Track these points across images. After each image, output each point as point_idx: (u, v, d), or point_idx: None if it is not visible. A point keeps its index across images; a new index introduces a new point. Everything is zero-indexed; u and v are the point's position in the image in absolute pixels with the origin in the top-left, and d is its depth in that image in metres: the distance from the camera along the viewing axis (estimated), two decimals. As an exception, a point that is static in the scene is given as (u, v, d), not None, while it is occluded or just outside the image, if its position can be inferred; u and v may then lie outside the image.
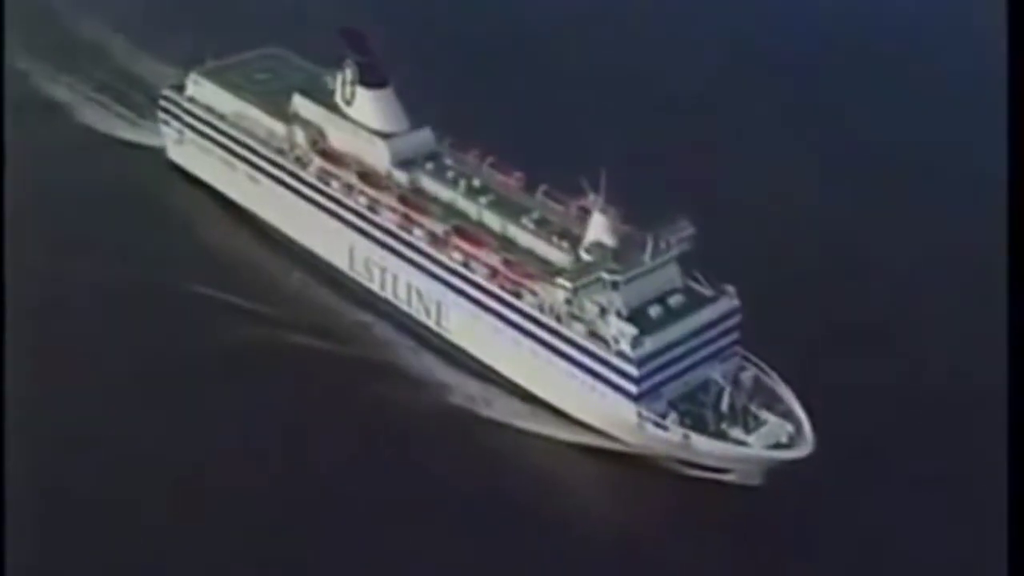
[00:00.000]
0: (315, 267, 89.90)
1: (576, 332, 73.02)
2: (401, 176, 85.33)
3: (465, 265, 78.81)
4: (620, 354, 70.70)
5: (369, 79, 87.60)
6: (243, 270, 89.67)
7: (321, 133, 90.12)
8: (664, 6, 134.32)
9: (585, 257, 74.53)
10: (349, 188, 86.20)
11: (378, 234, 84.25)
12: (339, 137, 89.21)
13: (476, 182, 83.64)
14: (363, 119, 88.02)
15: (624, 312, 71.89)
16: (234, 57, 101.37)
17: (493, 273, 77.30)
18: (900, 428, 73.72)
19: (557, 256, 76.43)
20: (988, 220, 77.00)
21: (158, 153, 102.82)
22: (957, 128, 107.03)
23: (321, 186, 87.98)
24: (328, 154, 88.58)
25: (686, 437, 69.53)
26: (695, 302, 74.43)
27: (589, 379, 72.88)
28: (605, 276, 72.11)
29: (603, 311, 72.15)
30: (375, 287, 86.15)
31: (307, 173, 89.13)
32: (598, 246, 74.29)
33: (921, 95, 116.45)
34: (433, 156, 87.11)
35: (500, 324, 77.32)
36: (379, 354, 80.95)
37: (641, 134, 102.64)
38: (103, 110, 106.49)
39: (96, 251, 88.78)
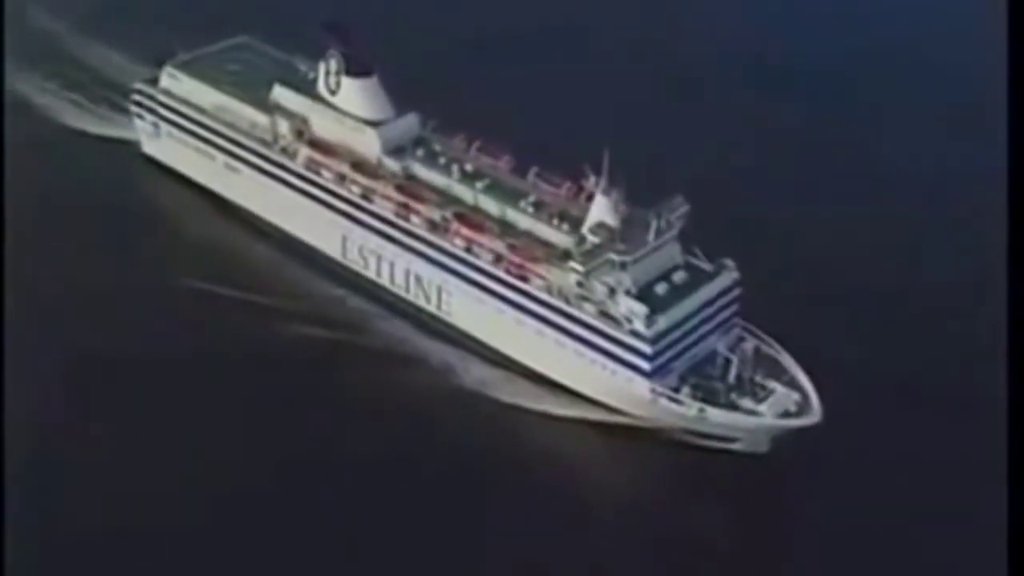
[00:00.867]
0: (306, 256, 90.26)
1: (587, 313, 74.87)
2: (393, 164, 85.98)
3: (468, 250, 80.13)
4: (634, 333, 72.68)
5: (354, 69, 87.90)
6: (232, 261, 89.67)
7: (305, 123, 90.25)
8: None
9: (591, 239, 75.98)
10: (342, 178, 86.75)
11: (375, 223, 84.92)
12: (324, 126, 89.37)
13: (468, 167, 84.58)
14: (350, 108, 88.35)
15: (633, 291, 73.86)
16: (203, 49, 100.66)
17: (497, 258, 78.69)
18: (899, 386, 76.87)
19: (558, 238, 77.86)
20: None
21: (133, 146, 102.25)
22: (957, 128, 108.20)
23: (312, 176, 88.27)
24: (317, 144, 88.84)
25: (702, 411, 71.91)
26: (698, 278, 76.65)
27: (600, 357, 74.78)
28: (614, 257, 73.87)
29: (612, 291, 73.92)
30: (371, 274, 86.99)
31: (295, 163, 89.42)
32: (602, 227, 75.76)
33: (921, 87, 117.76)
34: (420, 142, 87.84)
35: (505, 307, 78.75)
36: (383, 341, 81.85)
37: (622, 117, 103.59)
38: (70, 105, 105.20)
39: (83, 249, 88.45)
